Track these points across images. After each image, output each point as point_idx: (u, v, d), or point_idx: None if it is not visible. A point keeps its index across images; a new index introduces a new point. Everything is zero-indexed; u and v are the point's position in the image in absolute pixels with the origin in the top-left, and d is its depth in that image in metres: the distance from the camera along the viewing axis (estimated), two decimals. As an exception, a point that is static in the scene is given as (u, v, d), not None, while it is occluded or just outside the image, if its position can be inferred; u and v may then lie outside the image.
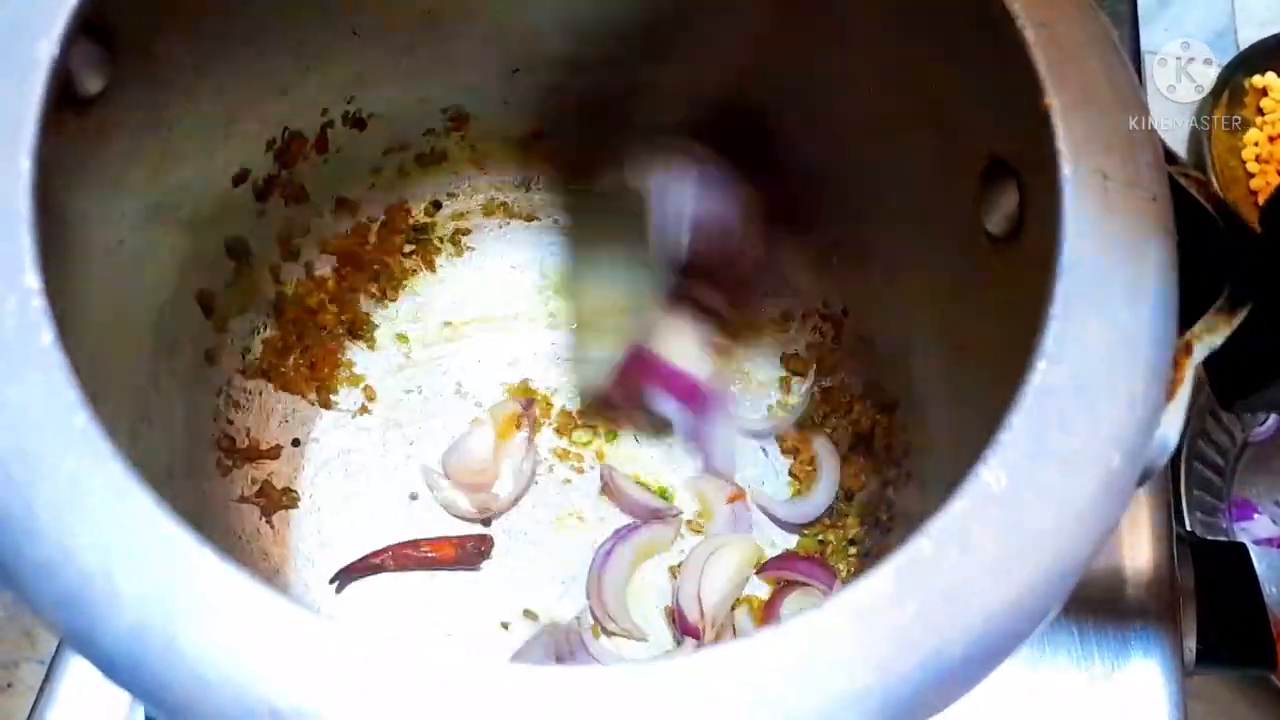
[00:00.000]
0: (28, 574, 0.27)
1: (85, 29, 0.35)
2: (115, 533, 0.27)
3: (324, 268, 0.61)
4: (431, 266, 0.64)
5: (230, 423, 0.57)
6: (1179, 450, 0.73)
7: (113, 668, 0.27)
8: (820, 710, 0.26)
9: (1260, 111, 0.83)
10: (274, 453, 0.58)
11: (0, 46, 0.32)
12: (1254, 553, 0.60)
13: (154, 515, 0.27)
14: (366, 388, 0.61)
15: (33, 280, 0.29)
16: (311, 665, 0.26)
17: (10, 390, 0.28)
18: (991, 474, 0.29)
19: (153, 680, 0.26)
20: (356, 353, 0.61)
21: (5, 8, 0.32)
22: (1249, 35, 0.86)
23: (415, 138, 0.61)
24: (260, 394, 0.58)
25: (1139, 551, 0.58)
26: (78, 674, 0.53)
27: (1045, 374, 0.31)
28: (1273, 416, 0.79)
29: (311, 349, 0.60)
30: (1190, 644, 0.56)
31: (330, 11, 0.50)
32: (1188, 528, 0.75)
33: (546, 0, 0.54)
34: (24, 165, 0.30)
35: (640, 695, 0.27)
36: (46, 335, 0.29)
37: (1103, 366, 0.31)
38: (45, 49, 0.32)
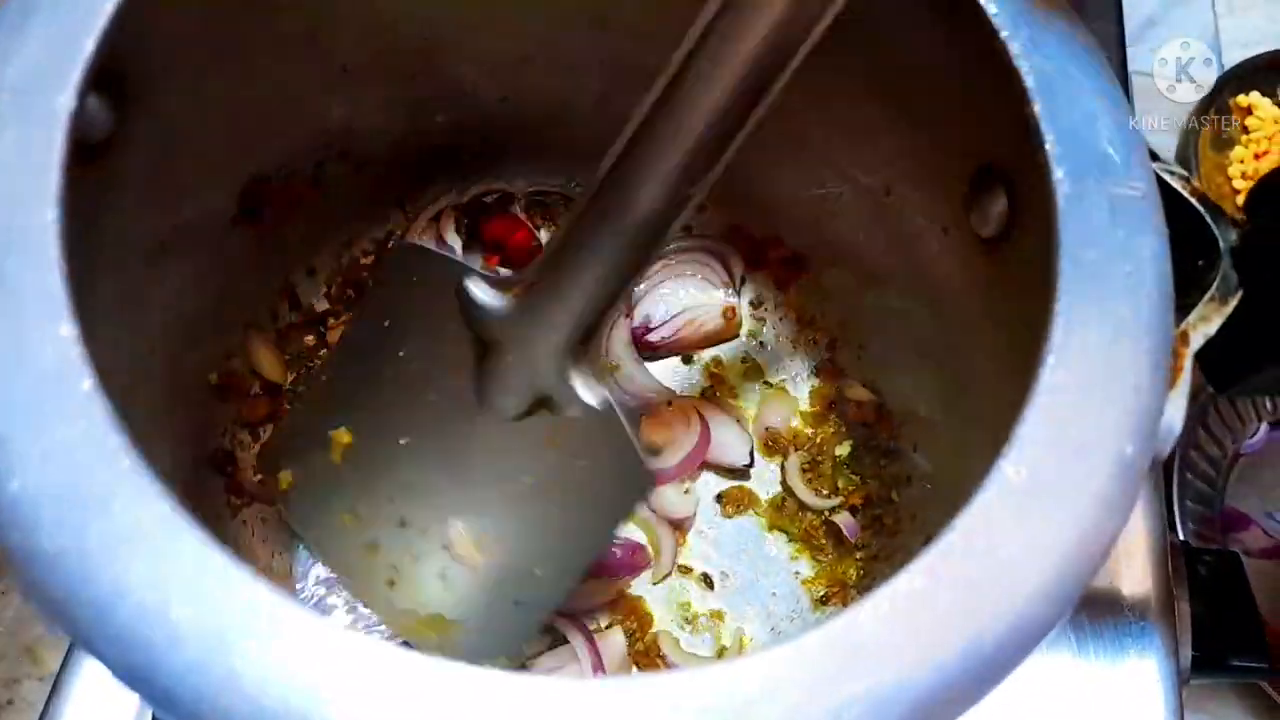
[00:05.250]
0: (84, 615, 0.27)
1: (95, 81, 0.36)
2: (169, 569, 0.27)
3: (321, 303, 0.62)
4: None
5: (237, 463, 0.57)
6: (1171, 461, 0.74)
7: (172, 703, 0.27)
8: (866, 706, 0.27)
9: (1245, 130, 0.85)
10: (281, 490, 0.58)
11: (21, 99, 0.32)
12: (1246, 564, 0.61)
13: (206, 550, 0.27)
14: (369, 420, 0.61)
15: (68, 330, 0.30)
16: (373, 692, 0.26)
17: (56, 436, 0.28)
18: (1012, 467, 0.30)
19: (214, 712, 0.27)
20: (358, 386, 0.62)
21: (23, 61, 0.33)
22: (1233, 56, 0.89)
23: (408, 169, 0.62)
24: (266, 432, 0.59)
25: (1135, 560, 0.59)
26: (82, 693, 0.53)
27: (1054, 369, 0.32)
28: (1263, 427, 0.80)
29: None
30: (1186, 651, 0.57)
31: (322, 50, 0.51)
32: (1181, 539, 0.75)
33: (533, 29, 0.55)
34: (50, 216, 0.31)
35: (681, 699, 0.28)
36: (86, 382, 0.29)
37: (1108, 359, 0.32)
38: (64, 101, 0.33)
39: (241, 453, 0.57)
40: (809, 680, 0.27)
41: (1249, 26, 0.92)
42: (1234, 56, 0.89)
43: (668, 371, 0.64)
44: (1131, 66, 0.76)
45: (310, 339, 0.61)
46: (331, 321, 0.62)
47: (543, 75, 0.57)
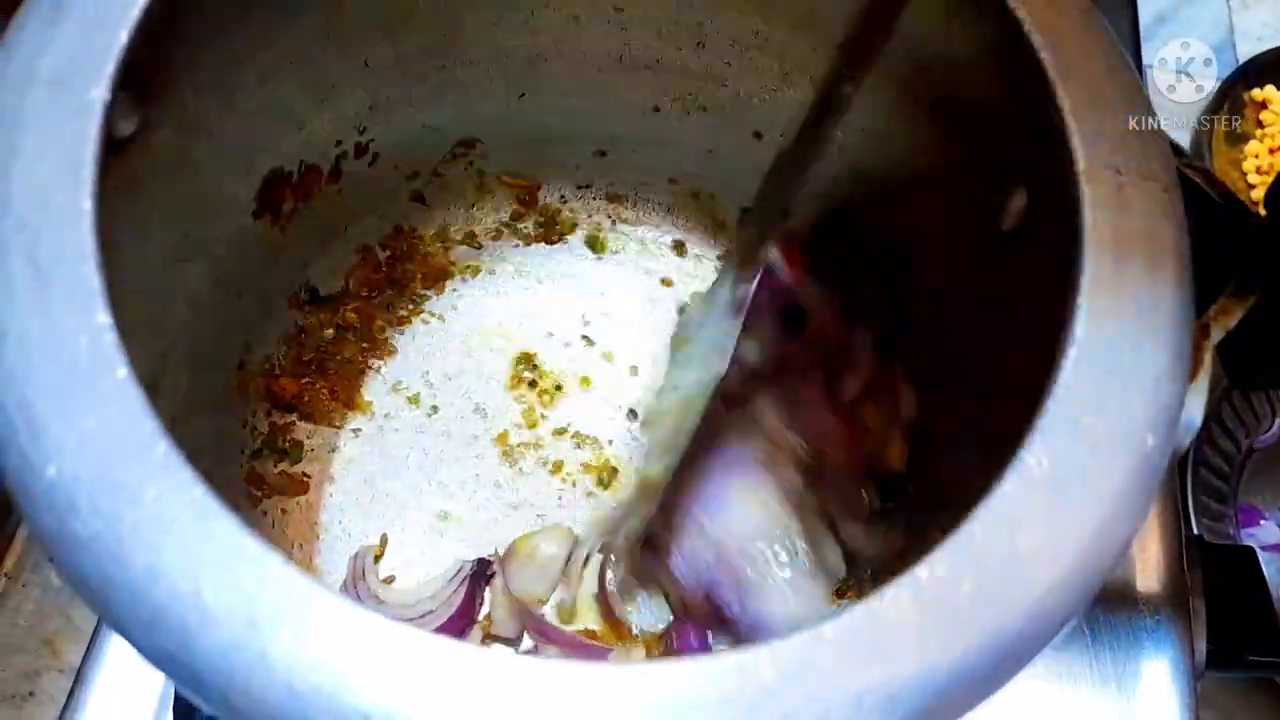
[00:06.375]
0: (117, 598, 0.28)
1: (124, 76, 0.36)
2: (202, 554, 0.28)
3: (340, 297, 0.62)
4: (444, 290, 0.65)
5: (257, 455, 0.57)
6: (1185, 456, 0.74)
7: (202, 685, 0.27)
8: (889, 691, 0.27)
9: (1260, 124, 0.85)
10: (301, 483, 0.59)
11: (55, 92, 0.33)
12: (1261, 558, 0.60)
13: (238, 535, 0.28)
14: (388, 414, 0.62)
15: (103, 318, 0.30)
16: (401, 673, 0.27)
17: (90, 423, 0.29)
18: (1033, 458, 0.30)
19: (244, 695, 0.27)
20: (376, 379, 0.62)
21: (58, 54, 0.33)
22: (1247, 50, 0.89)
23: (425, 165, 0.62)
24: (285, 425, 0.59)
25: (1149, 555, 0.59)
26: (105, 683, 0.54)
27: (1075, 360, 0.32)
28: (1277, 423, 0.79)
29: (332, 378, 0.61)
30: (1201, 646, 0.57)
31: (344, 45, 0.51)
32: (1195, 533, 0.74)
33: (542, 26, 0.55)
34: (87, 206, 0.31)
35: (701, 686, 0.28)
36: (121, 369, 0.30)
37: (1129, 351, 0.32)
38: (97, 95, 0.33)
39: (263, 446, 0.58)
40: (828, 667, 0.27)
41: (1261, 21, 0.92)
42: (1248, 50, 0.89)
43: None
44: (1145, 62, 0.76)
45: (329, 332, 0.61)
46: (348, 314, 0.62)
47: (556, 73, 0.57)
